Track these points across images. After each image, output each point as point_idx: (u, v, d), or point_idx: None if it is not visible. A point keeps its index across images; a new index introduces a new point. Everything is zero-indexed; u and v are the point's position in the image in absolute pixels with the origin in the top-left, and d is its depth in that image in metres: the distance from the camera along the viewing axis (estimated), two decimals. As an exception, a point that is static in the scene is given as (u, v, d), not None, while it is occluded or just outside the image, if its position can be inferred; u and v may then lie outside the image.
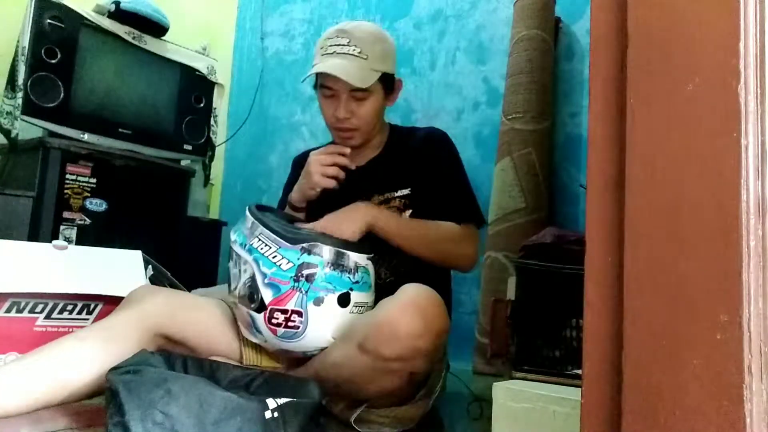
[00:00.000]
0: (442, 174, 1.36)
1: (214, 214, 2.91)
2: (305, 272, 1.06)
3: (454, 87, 2.39)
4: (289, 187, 1.44)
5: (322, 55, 1.30)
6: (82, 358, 1.02)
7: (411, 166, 1.36)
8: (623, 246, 0.53)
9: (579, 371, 0.58)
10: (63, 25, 2.02)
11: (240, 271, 1.11)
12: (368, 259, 1.16)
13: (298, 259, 1.07)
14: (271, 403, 0.86)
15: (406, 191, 1.34)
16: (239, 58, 3.16)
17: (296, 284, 1.06)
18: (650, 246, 0.52)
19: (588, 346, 0.56)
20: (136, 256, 1.61)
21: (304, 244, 1.08)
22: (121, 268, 1.55)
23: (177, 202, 2.37)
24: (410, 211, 1.33)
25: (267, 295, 1.07)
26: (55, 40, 2.00)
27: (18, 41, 1.98)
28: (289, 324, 1.07)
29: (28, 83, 1.93)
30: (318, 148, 1.42)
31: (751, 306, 0.48)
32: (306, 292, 1.06)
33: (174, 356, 1.05)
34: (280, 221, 1.17)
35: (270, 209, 1.28)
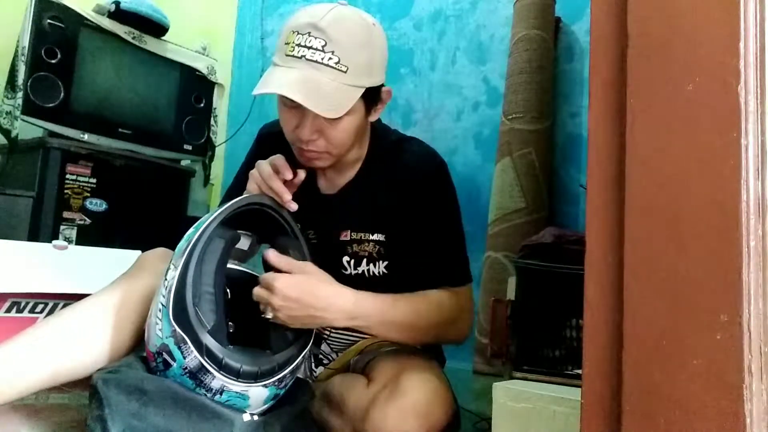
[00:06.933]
0: (429, 224, 1.10)
1: (214, 214, 2.90)
2: None
3: (454, 87, 2.39)
4: (246, 166, 1.21)
5: (287, 55, 0.97)
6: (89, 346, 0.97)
7: (390, 204, 1.10)
8: (623, 246, 0.53)
9: (579, 371, 0.58)
10: (63, 25, 2.03)
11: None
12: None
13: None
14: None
15: (381, 236, 1.11)
16: (239, 58, 3.16)
17: None
18: (650, 246, 0.52)
19: (588, 346, 0.56)
20: (136, 256, 1.60)
21: None
22: (121, 268, 1.55)
23: (177, 202, 2.38)
24: (386, 262, 1.12)
25: None
26: (55, 40, 2.00)
27: (18, 41, 1.98)
28: None
29: (28, 83, 1.93)
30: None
31: (751, 306, 0.48)
32: None
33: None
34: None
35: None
